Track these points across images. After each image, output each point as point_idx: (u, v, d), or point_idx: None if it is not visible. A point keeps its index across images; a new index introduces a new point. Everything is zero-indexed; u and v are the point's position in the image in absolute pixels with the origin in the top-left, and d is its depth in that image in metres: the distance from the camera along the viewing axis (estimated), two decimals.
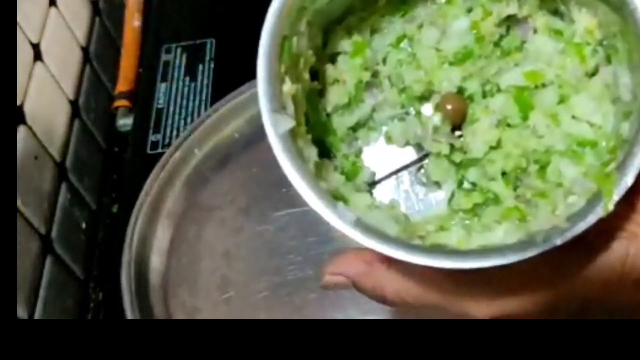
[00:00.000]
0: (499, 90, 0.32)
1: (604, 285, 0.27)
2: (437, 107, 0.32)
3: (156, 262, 0.55)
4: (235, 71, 0.69)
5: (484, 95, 0.32)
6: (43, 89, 0.61)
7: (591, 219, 0.26)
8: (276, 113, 0.28)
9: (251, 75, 0.66)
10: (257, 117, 0.68)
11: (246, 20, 0.75)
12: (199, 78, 0.69)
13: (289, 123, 0.28)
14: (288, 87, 0.29)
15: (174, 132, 0.65)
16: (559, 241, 0.25)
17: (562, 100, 0.31)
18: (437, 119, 0.32)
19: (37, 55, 0.61)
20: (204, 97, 0.67)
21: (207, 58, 0.71)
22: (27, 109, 0.56)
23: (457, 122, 0.32)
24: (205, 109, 0.66)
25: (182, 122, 0.66)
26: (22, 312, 0.51)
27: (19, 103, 0.55)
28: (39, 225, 0.55)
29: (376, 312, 0.50)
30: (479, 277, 0.28)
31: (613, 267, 0.27)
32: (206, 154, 0.61)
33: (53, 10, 0.65)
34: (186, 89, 0.69)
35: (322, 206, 0.27)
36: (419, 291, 0.29)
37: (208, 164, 0.61)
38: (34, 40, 0.61)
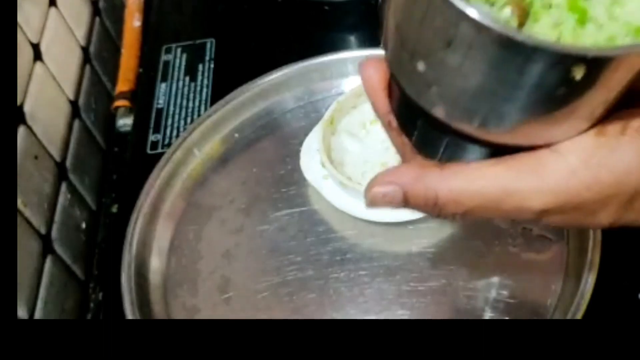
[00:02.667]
0: None
1: None
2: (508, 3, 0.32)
3: (156, 262, 0.55)
4: (235, 71, 0.69)
5: None
6: (43, 89, 0.61)
7: None
8: None
9: (251, 75, 0.67)
10: (257, 117, 0.69)
11: (246, 20, 0.75)
12: (199, 78, 0.70)
13: None
14: None
15: (174, 132, 0.65)
16: None
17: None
18: (507, 12, 0.31)
19: (37, 55, 0.61)
20: (204, 97, 0.67)
21: (207, 58, 0.71)
22: (27, 109, 0.56)
23: (523, 22, 0.32)
24: (205, 109, 0.66)
25: (182, 122, 0.66)
26: (22, 312, 0.51)
27: (19, 103, 0.55)
28: (39, 225, 0.55)
29: (376, 312, 0.50)
30: (538, 164, 0.28)
31: None
32: (206, 154, 0.61)
33: (53, 10, 0.65)
34: (186, 89, 0.69)
35: None
36: (475, 187, 0.28)
37: (208, 164, 0.61)
38: (34, 40, 0.61)
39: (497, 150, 0.29)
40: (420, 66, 0.28)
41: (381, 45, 0.32)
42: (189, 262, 0.55)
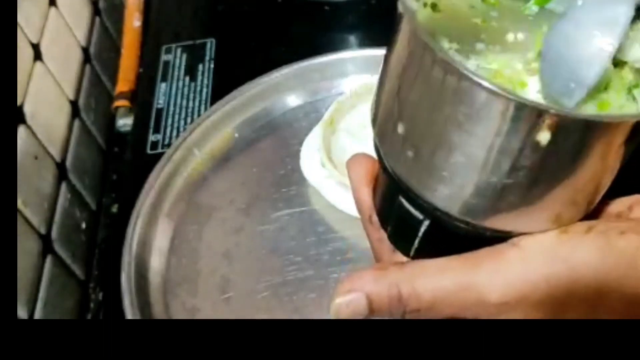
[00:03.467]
0: None
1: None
2: None
3: (156, 262, 0.55)
4: (235, 71, 0.69)
5: None
6: (43, 89, 0.61)
7: None
8: None
9: (251, 75, 0.67)
10: (257, 117, 0.69)
11: (246, 20, 0.75)
12: (199, 78, 0.70)
13: None
14: None
15: (174, 132, 0.65)
16: None
17: None
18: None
19: (37, 55, 0.61)
20: (204, 97, 0.67)
21: (207, 58, 0.71)
22: (27, 109, 0.56)
23: None
24: (205, 109, 0.66)
25: (182, 122, 0.66)
26: (22, 312, 0.51)
27: (19, 103, 0.55)
28: (39, 225, 0.55)
29: None
30: (496, 258, 0.27)
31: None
32: (206, 154, 0.61)
33: (53, 10, 0.65)
34: (186, 89, 0.69)
35: None
36: (435, 280, 0.28)
37: (208, 164, 0.61)
38: (34, 40, 0.61)
39: (469, 244, 0.29)
40: (400, 129, 0.28)
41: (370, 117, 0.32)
42: (189, 262, 0.55)
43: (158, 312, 0.52)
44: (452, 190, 0.27)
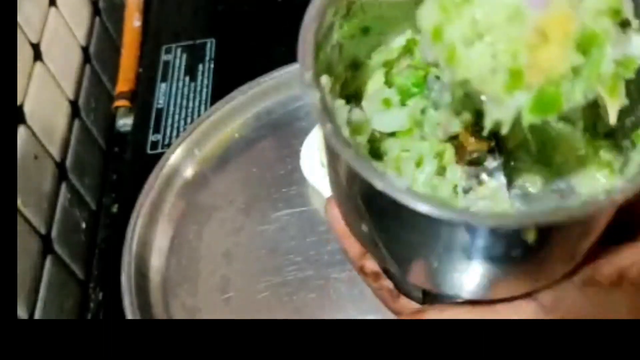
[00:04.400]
0: None
1: None
2: None
3: (156, 262, 0.55)
4: (235, 71, 0.69)
5: None
6: (43, 89, 0.61)
7: None
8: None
9: (251, 75, 0.67)
10: (257, 117, 0.69)
11: (246, 20, 0.75)
12: (199, 78, 0.69)
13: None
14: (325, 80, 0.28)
15: (174, 132, 0.65)
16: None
17: None
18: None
19: (37, 55, 0.61)
20: (204, 97, 0.67)
21: (207, 58, 0.71)
22: (27, 109, 0.56)
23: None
24: (205, 109, 0.66)
25: (182, 122, 0.66)
26: (22, 312, 0.51)
27: (19, 103, 0.55)
28: (39, 225, 0.55)
29: (376, 312, 0.50)
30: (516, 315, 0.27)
31: None
32: (206, 154, 0.61)
33: (53, 10, 0.65)
34: (186, 89, 0.69)
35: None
36: None
37: (208, 164, 0.61)
38: (34, 40, 0.61)
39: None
40: (364, 227, 0.28)
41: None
42: (189, 262, 0.55)
43: (158, 312, 0.52)
44: (437, 279, 0.27)
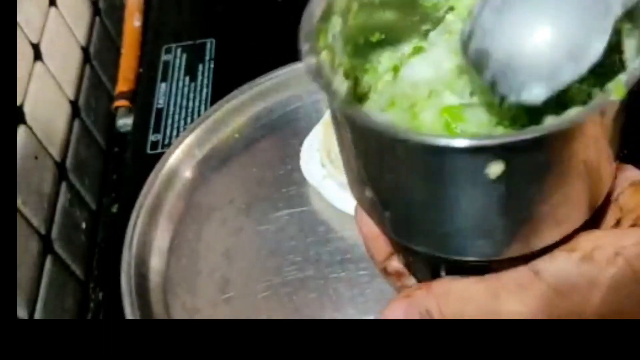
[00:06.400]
0: None
1: None
2: None
3: (156, 262, 0.55)
4: (235, 71, 0.69)
5: None
6: (43, 89, 0.61)
7: None
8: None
9: (251, 75, 0.67)
10: (257, 117, 0.69)
11: (246, 20, 0.75)
12: (199, 78, 0.70)
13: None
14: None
15: (174, 132, 0.65)
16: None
17: None
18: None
19: (37, 55, 0.61)
20: (204, 97, 0.67)
21: (207, 58, 0.71)
22: (27, 109, 0.56)
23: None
24: (205, 109, 0.66)
25: (182, 122, 0.66)
26: (22, 312, 0.51)
27: (19, 103, 0.55)
28: (39, 225, 0.55)
29: (376, 312, 0.50)
30: (518, 289, 0.27)
31: None
32: (206, 154, 0.61)
33: (53, 10, 0.65)
34: (186, 89, 0.69)
35: None
36: (460, 306, 0.28)
37: (208, 164, 0.61)
38: (34, 40, 0.61)
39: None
40: (368, 193, 0.28)
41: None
42: (189, 262, 0.55)
43: (158, 312, 0.52)
44: (444, 240, 0.27)
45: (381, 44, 0.34)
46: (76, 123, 0.66)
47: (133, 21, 0.78)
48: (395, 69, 0.33)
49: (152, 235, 0.56)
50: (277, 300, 0.51)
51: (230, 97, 0.62)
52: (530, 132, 0.23)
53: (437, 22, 0.33)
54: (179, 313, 0.52)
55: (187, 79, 0.70)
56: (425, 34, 0.34)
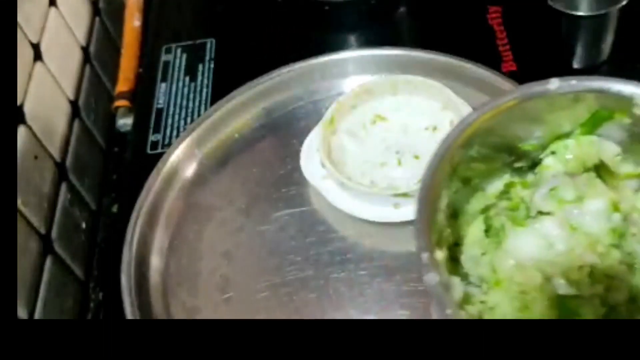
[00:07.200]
0: None
1: None
2: None
3: (156, 262, 0.55)
4: (235, 71, 0.69)
5: None
6: (43, 89, 0.61)
7: None
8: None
9: (251, 75, 0.67)
10: (257, 117, 0.69)
11: (246, 20, 0.75)
12: (199, 78, 0.69)
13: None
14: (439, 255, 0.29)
15: (174, 132, 0.65)
16: None
17: None
18: None
19: (37, 55, 0.61)
20: (204, 97, 0.67)
21: (207, 58, 0.71)
22: (27, 109, 0.57)
23: None
24: (205, 109, 0.66)
25: (182, 122, 0.66)
26: (22, 312, 0.51)
27: (19, 103, 0.55)
28: (39, 225, 0.55)
29: (376, 312, 0.50)
30: None
31: None
32: (206, 154, 0.61)
33: (53, 10, 0.65)
34: (186, 89, 0.69)
35: None
36: None
37: (208, 164, 0.61)
38: (34, 40, 0.61)
39: None
40: None
41: None
42: (189, 262, 0.55)
43: (158, 312, 0.52)
44: None
45: (474, 186, 0.33)
46: (76, 123, 0.66)
47: (133, 21, 0.78)
48: (486, 211, 0.32)
49: (152, 235, 0.56)
50: (277, 300, 0.51)
51: (230, 97, 0.62)
52: None
53: (533, 163, 0.33)
54: (179, 313, 0.52)
55: (187, 79, 0.70)
56: (518, 170, 0.33)
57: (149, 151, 0.64)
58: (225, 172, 0.60)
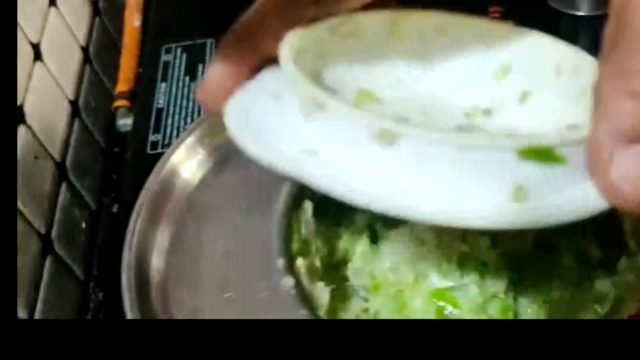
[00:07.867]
0: None
1: None
2: None
3: (156, 262, 0.55)
4: None
5: None
6: (43, 89, 0.61)
7: None
8: None
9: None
10: None
11: None
12: (199, 78, 0.70)
13: None
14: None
15: (174, 132, 0.65)
16: None
17: None
18: None
19: (37, 55, 0.61)
20: None
21: (207, 58, 0.71)
22: (27, 109, 0.56)
23: None
24: None
25: (182, 122, 0.66)
26: (22, 312, 0.51)
27: (19, 103, 0.55)
28: (39, 225, 0.55)
29: None
30: None
31: None
32: (206, 154, 0.61)
33: (53, 10, 0.65)
34: (186, 89, 0.69)
35: None
36: None
37: (208, 164, 0.60)
38: (34, 40, 0.61)
39: None
40: None
41: None
42: (189, 262, 0.55)
43: (158, 312, 0.52)
44: None
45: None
46: (76, 123, 0.66)
47: (133, 21, 0.78)
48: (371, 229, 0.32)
49: (152, 235, 0.56)
50: (277, 300, 0.51)
51: None
52: None
53: None
54: (179, 313, 0.52)
55: (187, 79, 0.70)
56: None
57: (149, 151, 0.64)
58: (225, 172, 0.60)
